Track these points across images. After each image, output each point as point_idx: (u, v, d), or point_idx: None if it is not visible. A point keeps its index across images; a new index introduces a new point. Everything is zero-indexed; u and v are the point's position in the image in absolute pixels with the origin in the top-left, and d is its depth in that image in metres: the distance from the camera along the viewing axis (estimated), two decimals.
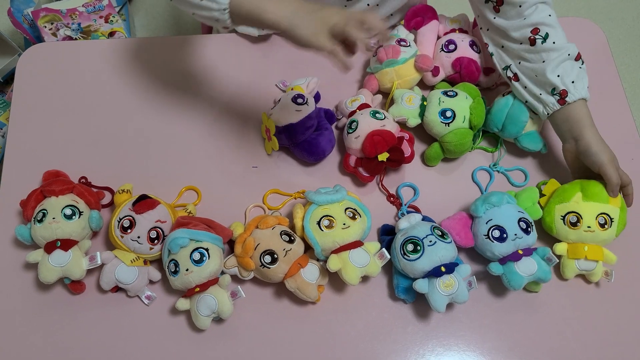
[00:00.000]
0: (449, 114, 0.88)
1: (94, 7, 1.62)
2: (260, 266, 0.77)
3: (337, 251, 0.78)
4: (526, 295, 0.83)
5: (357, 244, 0.79)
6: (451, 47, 0.96)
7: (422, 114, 0.91)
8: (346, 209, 0.80)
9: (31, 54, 1.05)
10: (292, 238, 0.80)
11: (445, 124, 0.88)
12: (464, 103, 0.89)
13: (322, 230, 0.78)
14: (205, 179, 0.92)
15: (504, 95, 0.91)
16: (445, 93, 0.91)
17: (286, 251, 0.78)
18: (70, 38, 1.59)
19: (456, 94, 0.90)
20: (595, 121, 0.90)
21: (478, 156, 0.95)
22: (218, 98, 1.00)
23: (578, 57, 0.87)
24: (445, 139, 0.89)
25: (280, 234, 0.79)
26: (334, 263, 0.76)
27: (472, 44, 0.96)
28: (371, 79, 0.96)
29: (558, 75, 0.84)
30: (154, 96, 0.99)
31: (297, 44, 0.71)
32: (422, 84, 0.98)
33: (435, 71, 0.95)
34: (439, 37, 1.00)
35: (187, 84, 1.01)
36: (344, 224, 0.79)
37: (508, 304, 0.83)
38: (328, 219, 0.79)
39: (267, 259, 0.77)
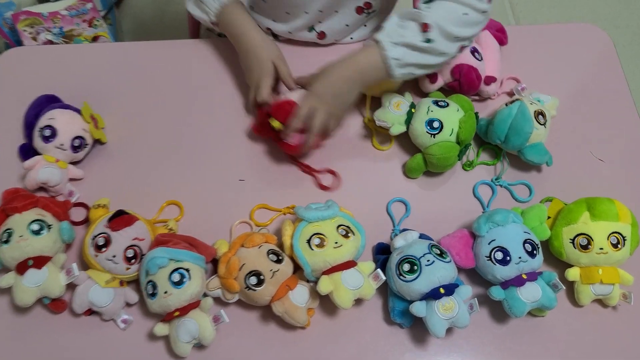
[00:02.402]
0: (436, 124, 0.86)
1: (78, 10, 1.62)
2: (246, 288, 0.75)
3: (328, 272, 0.76)
4: (532, 320, 0.81)
5: (350, 264, 0.77)
6: None
7: (408, 121, 0.89)
8: (338, 226, 0.78)
9: (8, 58, 1.04)
10: (280, 258, 0.78)
11: (431, 134, 0.86)
12: (453, 115, 0.87)
13: (313, 250, 0.76)
14: (188, 192, 0.90)
15: (507, 105, 0.89)
16: (436, 102, 0.88)
17: (273, 272, 0.76)
18: (51, 43, 1.58)
19: (447, 105, 0.88)
20: (603, 125, 0.95)
21: (479, 169, 0.93)
22: (202, 106, 0.99)
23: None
24: (429, 151, 0.87)
25: (268, 253, 0.77)
26: (325, 285, 0.74)
27: (474, 51, 0.94)
28: None
29: None
30: (134, 104, 0.98)
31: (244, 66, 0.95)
32: (419, 91, 0.97)
33: (434, 78, 0.93)
34: None
35: (169, 92, 1.00)
36: (336, 243, 0.77)
37: (512, 329, 0.80)
38: (319, 237, 0.77)
39: (253, 280, 0.75)
